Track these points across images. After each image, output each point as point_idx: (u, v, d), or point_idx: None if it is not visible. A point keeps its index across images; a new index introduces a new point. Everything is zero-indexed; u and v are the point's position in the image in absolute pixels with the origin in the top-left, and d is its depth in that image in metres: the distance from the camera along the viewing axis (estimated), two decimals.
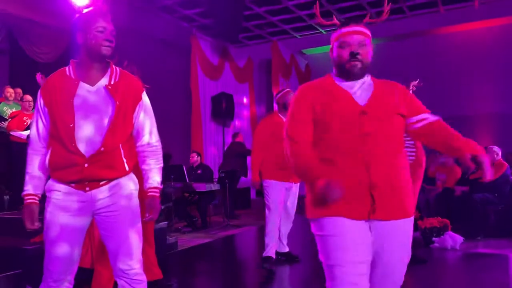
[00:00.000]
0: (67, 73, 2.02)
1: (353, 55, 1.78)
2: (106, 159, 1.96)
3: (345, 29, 1.82)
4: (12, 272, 3.37)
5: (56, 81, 2.01)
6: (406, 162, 1.85)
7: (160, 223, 4.74)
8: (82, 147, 1.92)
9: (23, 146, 5.63)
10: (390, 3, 2.02)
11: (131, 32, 7.79)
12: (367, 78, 1.89)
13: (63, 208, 1.97)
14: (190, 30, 9.38)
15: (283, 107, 4.24)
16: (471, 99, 9.22)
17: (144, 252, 3.43)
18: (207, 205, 7.12)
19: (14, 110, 6.00)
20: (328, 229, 1.74)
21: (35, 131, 2.03)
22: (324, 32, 10.35)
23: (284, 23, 9.88)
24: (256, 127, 4.54)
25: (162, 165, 2.22)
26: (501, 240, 5.46)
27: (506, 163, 6.05)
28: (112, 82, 2.01)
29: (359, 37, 1.81)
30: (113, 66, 2.07)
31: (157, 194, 2.16)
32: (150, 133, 2.15)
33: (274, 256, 4.27)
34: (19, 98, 6.20)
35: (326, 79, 1.91)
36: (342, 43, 1.82)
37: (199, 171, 7.35)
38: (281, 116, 4.27)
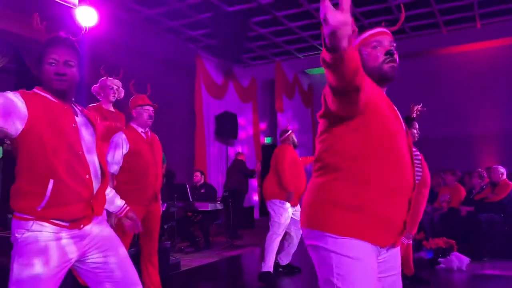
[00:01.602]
0: (47, 96, 1.83)
1: (390, 53, 1.61)
2: (103, 193, 1.90)
3: (375, 30, 1.67)
4: None
5: (40, 102, 1.79)
6: None
7: (163, 243, 4.71)
8: (92, 179, 1.82)
9: None
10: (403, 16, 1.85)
11: (138, 52, 7.89)
12: None
13: (47, 257, 1.70)
14: (195, 51, 9.50)
15: (294, 145, 4.82)
16: (475, 119, 9.22)
17: (147, 272, 3.42)
18: (210, 224, 7.08)
19: None
20: (357, 253, 1.50)
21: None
22: None
23: (288, 44, 9.99)
24: (275, 151, 4.89)
25: None
26: (507, 261, 5.38)
27: (511, 183, 6.01)
28: (83, 110, 1.95)
29: (390, 38, 1.68)
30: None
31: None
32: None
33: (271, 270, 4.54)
34: None
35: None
36: (374, 43, 1.64)
37: (202, 190, 7.34)
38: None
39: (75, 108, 1.93)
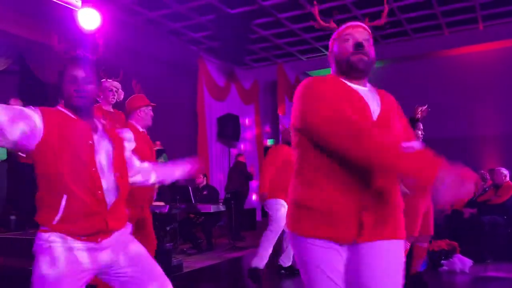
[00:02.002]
0: (67, 113, 1.89)
1: (359, 45, 1.62)
2: (120, 208, 1.92)
3: (348, 24, 1.69)
4: None
5: (59, 118, 1.86)
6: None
7: (165, 245, 4.72)
8: (106, 195, 1.85)
9: (30, 167, 5.68)
10: (387, 8, 1.91)
11: (140, 54, 7.91)
12: (369, 85, 1.73)
13: (63, 267, 1.75)
14: (197, 53, 9.51)
15: (288, 144, 4.70)
16: (478, 120, 9.20)
17: None
18: (212, 226, 7.08)
19: None
20: (308, 254, 1.62)
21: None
22: None
23: (289, 46, 10.00)
24: (268, 151, 5.03)
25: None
26: (510, 263, 5.35)
27: None
28: (105, 126, 1.99)
29: (363, 31, 1.67)
30: (96, 114, 2.05)
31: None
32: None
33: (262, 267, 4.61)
34: None
35: (333, 78, 1.69)
36: (346, 36, 1.66)
37: (204, 192, 7.35)
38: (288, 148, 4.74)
39: (97, 124, 1.97)
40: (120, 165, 1.95)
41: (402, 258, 1.64)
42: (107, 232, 1.85)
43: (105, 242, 1.85)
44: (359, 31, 1.66)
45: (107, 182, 1.86)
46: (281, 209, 4.60)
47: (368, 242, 1.58)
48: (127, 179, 2.00)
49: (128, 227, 2.02)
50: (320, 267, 1.59)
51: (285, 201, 4.58)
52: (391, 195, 1.63)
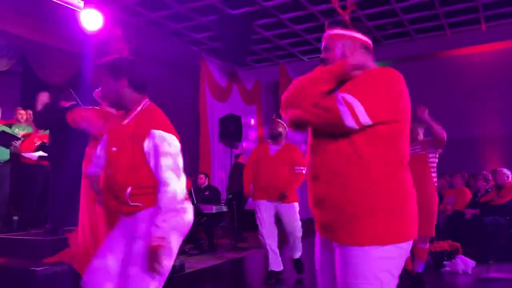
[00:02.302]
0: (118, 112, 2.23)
1: (320, 61, 1.77)
2: (109, 202, 2.08)
3: None
4: None
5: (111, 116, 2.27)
6: (372, 179, 1.52)
7: None
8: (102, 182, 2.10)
9: (33, 168, 5.69)
10: None
11: (142, 55, 7.91)
12: None
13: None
14: (199, 53, 9.52)
15: (270, 136, 4.79)
16: (480, 121, 9.17)
17: None
18: (214, 227, 7.08)
19: (25, 132, 6.08)
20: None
21: None
22: None
23: (291, 47, 10.00)
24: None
25: (169, 215, 2.02)
26: None
27: None
28: (125, 123, 2.06)
29: (323, 44, 1.78)
30: (138, 108, 2.09)
31: (156, 244, 1.87)
32: (162, 177, 1.94)
33: (277, 269, 4.58)
34: (31, 120, 6.29)
35: None
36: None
37: (206, 193, 7.35)
38: (270, 143, 4.80)
39: (126, 119, 2.06)
40: (114, 163, 2.00)
41: (366, 269, 1.48)
42: (119, 212, 2.08)
43: (124, 221, 2.09)
44: (322, 48, 1.77)
45: (98, 174, 2.17)
46: (259, 207, 4.64)
47: (339, 245, 1.58)
48: (119, 177, 1.96)
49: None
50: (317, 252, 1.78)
51: (270, 199, 4.57)
52: (352, 191, 1.52)
